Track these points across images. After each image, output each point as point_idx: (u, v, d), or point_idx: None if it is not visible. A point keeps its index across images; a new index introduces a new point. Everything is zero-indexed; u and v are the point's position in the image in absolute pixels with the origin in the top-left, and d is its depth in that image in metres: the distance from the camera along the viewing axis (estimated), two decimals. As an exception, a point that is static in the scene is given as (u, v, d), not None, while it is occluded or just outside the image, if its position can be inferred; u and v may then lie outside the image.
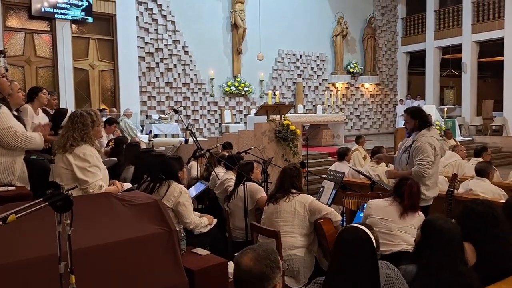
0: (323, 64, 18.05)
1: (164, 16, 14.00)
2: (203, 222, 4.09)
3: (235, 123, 15.31)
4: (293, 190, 3.90)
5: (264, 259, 1.85)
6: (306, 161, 8.08)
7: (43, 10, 11.62)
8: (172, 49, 14.21)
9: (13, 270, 2.30)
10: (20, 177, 3.78)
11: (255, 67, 15.78)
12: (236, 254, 2.00)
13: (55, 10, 11.76)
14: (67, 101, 11.89)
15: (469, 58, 17.60)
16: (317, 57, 17.84)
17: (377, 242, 2.25)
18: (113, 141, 6.63)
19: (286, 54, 16.94)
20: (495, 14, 16.90)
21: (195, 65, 14.73)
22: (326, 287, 2.19)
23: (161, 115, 13.43)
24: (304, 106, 17.18)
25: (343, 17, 17.87)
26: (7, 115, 3.60)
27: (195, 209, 4.44)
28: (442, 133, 12.15)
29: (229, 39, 15.46)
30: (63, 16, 11.90)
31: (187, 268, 3.07)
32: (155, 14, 13.83)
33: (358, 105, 19.25)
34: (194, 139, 6.14)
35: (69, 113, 4.05)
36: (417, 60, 20.52)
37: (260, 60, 15.26)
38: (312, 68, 17.76)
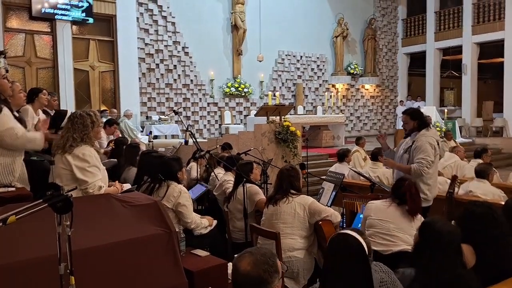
0: (323, 65, 18.05)
1: (164, 17, 14.01)
2: (203, 223, 4.09)
3: (235, 124, 15.32)
4: (292, 191, 3.89)
5: (262, 264, 1.84)
6: (306, 163, 8.08)
7: (43, 11, 11.64)
8: (172, 50, 14.22)
9: (13, 270, 2.31)
10: (20, 178, 3.78)
11: (255, 68, 15.79)
12: (235, 255, 2.00)
13: (56, 11, 11.77)
14: (68, 102, 11.90)
15: (469, 59, 17.60)
16: (317, 58, 17.85)
17: (369, 248, 2.24)
18: (113, 142, 6.64)
19: (286, 55, 16.94)
20: (496, 16, 16.91)
21: (195, 66, 14.73)
22: None
23: (161, 116, 13.44)
24: (304, 107, 17.18)
25: (343, 18, 17.87)
26: (8, 116, 3.61)
27: (194, 211, 4.44)
28: (442, 135, 12.15)
29: (229, 40, 15.47)
30: (63, 17, 11.91)
31: (187, 269, 3.07)
32: (155, 15, 13.84)
33: (359, 106, 19.25)
34: (194, 140, 6.14)
35: (69, 114, 4.06)
36: (417, 62, 20.52)
37: (260, 61, 15.26)
38: (312, 69, 17.76)
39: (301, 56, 17.35)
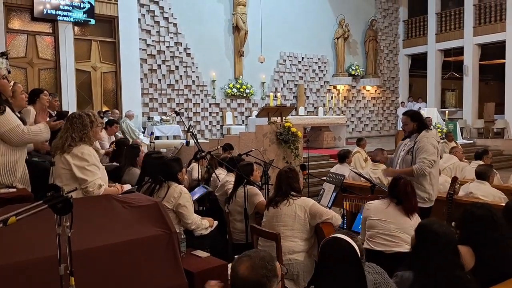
0: (325, 67, 18.05)
1: (166, 18, 14.03)
2: (204, 224, 4.09)
3: (236, 125, 15.32)
4: (292, 193, 3.88)
5: (261, 268, 1.84)
6: (307, 163, 8.09)
7: (45, 12, 11.66)
8: (174, 51, 14.24)
9: (13, 271, 2.32)
10: (22, 179, 3.80)
11: (257, 69, 15.80)
12: (236, 256, 2.00)
13: (58, 12, 11.79)
14: (69, 103, 11.92)
15: (470, 60, 17.59)
16: (319, 59, 17.85)
17: (361, 250, 2.25)
18: (114, 143, 6.67)
19: (287, 56, 16.95)
20: (497, 17, 16.90)
21: (197, 67, 14.75)
22: None
23: (162, 117, 13.44)
24: (305, 108, 17.18)
25: (344, 20, 17.88)
26: (11, 115, 3.64)
27: (195, 211, 4.45)
28: (443, 136, 12.15)
29: (230, 41, 15.49)
30: (65, 18, 11.93)
31: (187, 270, 3.08)
32: (157, 16, 13.85)
33: (360, 107, 19.25)
34: (195, 141, 6.15)
35: (69, 115, 4.07)
36: (418, 63, 20.51)
37: (262, 62, 15.27)
38: (313, 71, 17.77)
39: (302, 58, 17.35)
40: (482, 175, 5.38)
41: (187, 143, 7.74)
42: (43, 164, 4.16)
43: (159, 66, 13.98)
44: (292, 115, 12.00)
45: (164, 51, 14.02)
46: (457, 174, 7.08)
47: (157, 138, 11.91)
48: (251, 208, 4.49)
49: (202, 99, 14.97)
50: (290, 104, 15.97)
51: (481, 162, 6.76)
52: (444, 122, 15.65)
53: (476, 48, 17.62)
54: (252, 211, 4.53)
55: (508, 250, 2.75)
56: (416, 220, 3.67)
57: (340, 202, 5.49)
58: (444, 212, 4.83)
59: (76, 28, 12.47)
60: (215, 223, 4.29)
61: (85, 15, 12.20)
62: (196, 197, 4.97)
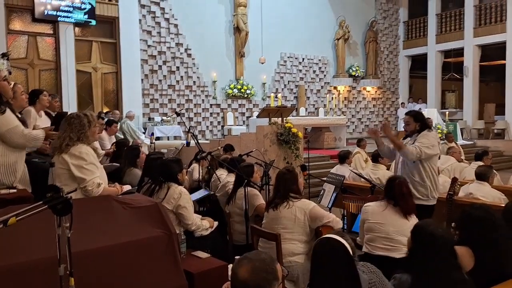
0: (325, 67, 18.06)
1: (167, 19, 14.04)
2: (204, 225, 4.09)
3: (237, 125, 15.33)
4: (292, 195, 3.82)
5: (261, 272, 1.83)
6: (307, 164, 8.09)
7: (46, 13, 11.67)
8: (175, 52, 14.25)
9: (13, 272, 2.32)
10: (22, 180, 3.81)
11: (258, 70, 15.81)
12: (236, 257, 2.00)
13: (58, 13, 11.81)
14: (70, 103, 11.94)
15: (471, 61, 17.59)
16: (319, 60, 17.85)
17: (353, 248, 2.24)
18: (114, 144, 6.68)
19: (288, 57, 16.96)
20: (497, 18, 16.89)
21: (197, 68, 14.76)
22: None
23: (163, 118, 13.46)
24: (306, 109, 17.19)
25: (345, 21, 17.88)
26: (12, 116, 3.65)
27: (196, 212, 4.45)
28: (444, 137, 12.15)
29: (231, 42, 15.50)
30: (66, 19, 11.95)
31: (187, 271, 3.08)
32: (158, 17, 13.86)
33: (360, 108, 19.25)
34: (196, 141, 6.16)
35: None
36: (419, 64, 20.50)
37: (262, 63, 15.28)
38: (314, 71, 17.77)
39: (303, 58, 17.36)
40: (482, 176, 5.38)
41: (188, 144, 7.77)
42: (43, 165, 4.17)
43: (160, 67, 13.99)
44: (292, 116, 12.00)
45: (165, 52, 14.03)
46: (457, 175, 7.07)
47: (157, 138, 11.93)
48: (250, 210, 4.48)
49: (203, 100, 14.98)
50: (291, 104, 15.98)
51: (481, 163, 6.75)
52: (445, 123, 15.65)
53: (477, 49, 17.63)
54: (252, 213, 4.50)
55: (507, 251, 2.75)
56: (414, 221, 3.61)
57: (340, 202, 5.49)
58: (444, 212, 4.83)
59: (76, 29, 12.49)
60: (215, 223, 4.28)
61: (85, 16, 12.22)
62: (196, 198, 4.98)
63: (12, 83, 4.52)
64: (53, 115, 5.72)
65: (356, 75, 18.68)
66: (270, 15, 15.80)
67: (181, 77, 14.45)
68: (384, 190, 3.97)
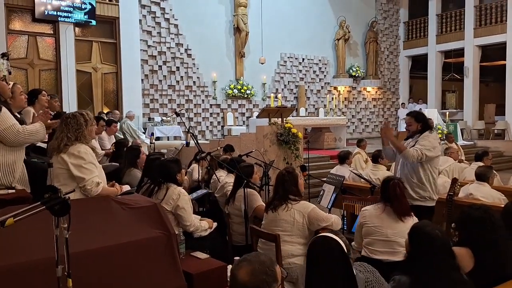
0: (325, 68, 18.06)
1: (167, 20, 14.04)
2: (203, 226, 4.08)
3: (237, 125, 15.33)
4: (291, 197, 3.77)
5: (260, 274, 1.82)
6: (307, 164, 8.09)
7: (46, 13, 11.67)
8: (175, 52, 14.25)
9: (11, 272, 2.32)
10: (21, 180, 3.80)
11: (258, 70, 15.81)
12: (235, 258, 1.99)
13: (59, 13, 11.81)
14: (70, 104, 11.93)
15: (471, 62, 17.58)
16: (319, 60, 17.85)
17: (347, 246, 2.24)
18: (113, 144, 6.67)
19: (288, 57, 16.96)
20: (498, 18, 16.89)
21: (197, 68, 14.76)
22: None
23: (163, 118, 13.46)
24: (306, 109, 17.19)
25: (345, 21, 17.88)
26: (7, 115, 3.64)
27: (195, 212, 4.44)
28: (444, 137, 12.14)
29: (231, 42, 15.49)
30: (66, 19, 11.94)
31: (186, 272, 3.08)
32: (158, 17, 13.86)
33: (360, 108, 19.25)
34: (195, 141, 6.15)
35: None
36: (419, 64, 20.50)
37: (263, 63, 15.28)
38: (314, 72, 17.77)
39: (303, 59, 17.36)
40: (482, 176, 5.37)
41: (188, 144, 7.76)
42: (42, 165, 4.16)
43: (160, 67, 13.99)
44: (292, 116, 12.00)
45: (165, 52, 14.03)
46: (456, 175, 7.07)
47: (157, 138, 11.93)
48: (249, 210, 4.47)
49: (203, 100, 14.98)
50: (291, 105, 15.99)
51: (481, 164, 6.75)
52: (445, 124, 15.63)
53: (477, 49, 17.62)
54: (251, 214, 4.46)
55: (507, 251, 2.74)
56: (412, 221, 3.59)
57: (340, 203, 5.49)
58: (444, 213, 4.83)
59: (77, 29, 12.48)
60: (215, 224, 4.27)
61: (86, 16, 12.22)
62: (195, 197, 4.97)
63: (11, 83, 4.52)
64: (52, 115, 5.72)
65: (356, 75, 18.68)
66: (270, 15, 15.80)
67: (181, 77, 14.45)
68: (380, 192, 3.94)
